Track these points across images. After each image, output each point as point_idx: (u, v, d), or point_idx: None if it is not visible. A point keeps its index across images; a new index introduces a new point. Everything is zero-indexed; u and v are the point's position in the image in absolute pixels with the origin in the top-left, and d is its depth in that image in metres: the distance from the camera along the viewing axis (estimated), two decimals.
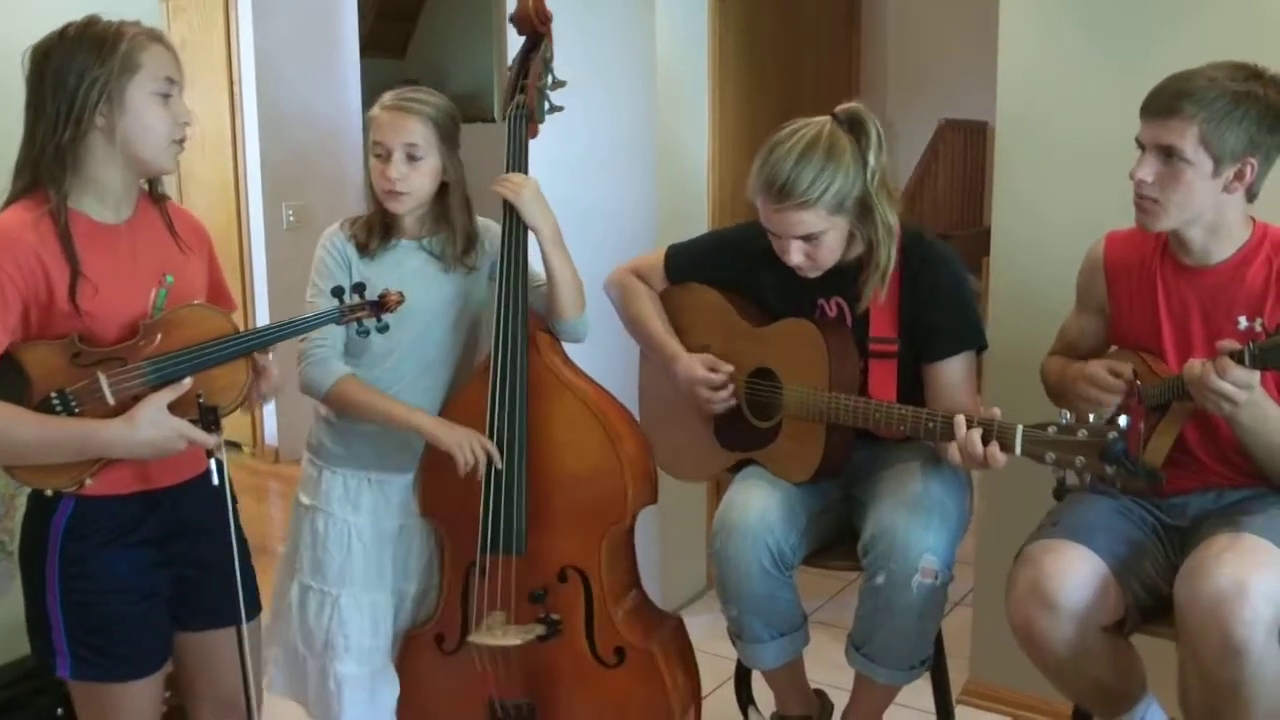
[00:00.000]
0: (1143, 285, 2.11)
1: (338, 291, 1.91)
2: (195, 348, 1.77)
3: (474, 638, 2.17)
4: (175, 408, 1.76)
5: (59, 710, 2.18)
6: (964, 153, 6.71)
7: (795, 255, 2.12)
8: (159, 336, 1.78)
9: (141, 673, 1.89)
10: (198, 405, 1.76)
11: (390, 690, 2.31)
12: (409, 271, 2.21)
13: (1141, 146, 1.99)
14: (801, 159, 2.04)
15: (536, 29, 2.25)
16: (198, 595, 1.95)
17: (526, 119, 2.23)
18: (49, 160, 1.74)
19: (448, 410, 2.24)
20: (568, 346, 2.31)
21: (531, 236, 2.21)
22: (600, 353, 2.37)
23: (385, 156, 2.15)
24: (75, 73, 1.73)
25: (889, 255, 2.12)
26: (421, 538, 2.31)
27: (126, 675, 1.87)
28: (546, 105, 2.26)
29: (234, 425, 5.49)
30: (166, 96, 1.80)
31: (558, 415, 2.19)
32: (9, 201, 1.79)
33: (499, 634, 2.16)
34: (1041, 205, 2.73)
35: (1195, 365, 1.85)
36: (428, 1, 8.01)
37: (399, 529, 2.29)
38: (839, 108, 2.13)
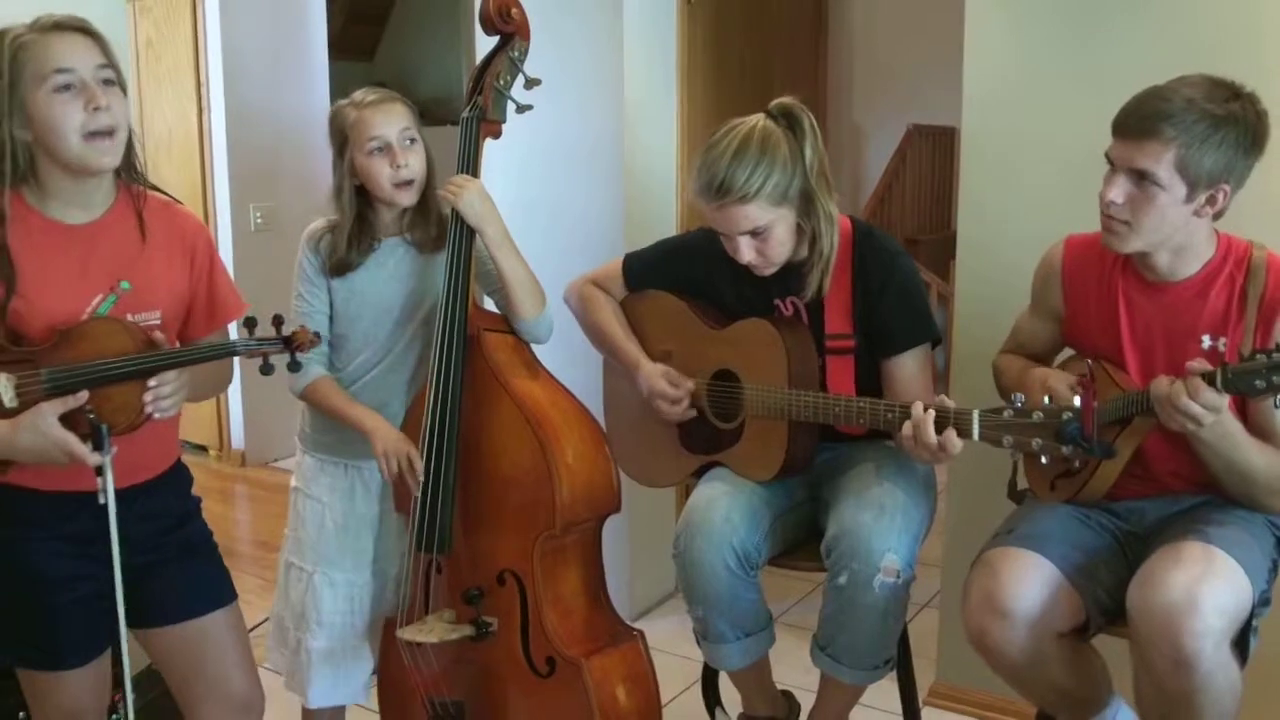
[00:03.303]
0: (1102, 297, 2.07)
1: (250, 322, 1.82)
2: (94, 363, 1.72)
3: (399, 632, 2.19)
4: (72, 422, 1.71)
5: (20, 714, 2.16)
6: (932, 157, 6.75)
7: (746, 253, 2.15)
8: (68, 345, 1.74)
9: (56, 665, 1.87)
10: (88, 421, 1.72)
11: (361, 669, 2.35)
12: (388, 271, 2.22)
13: (1111, 163, 1.92)
14: (736, 156, 2.07)
15: (499, 28, 2.22)
16: (153, 592, 1.91)
17: (480, 120, 2.21)
18: None
19: (408, 414, 2.24)
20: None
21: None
22: (565, 363, 2.37)
23: (385, 149, 2.14)
24: None
25: (832, 243, 2.16)
26: (404, 523, 2.31)
27: (38, 665, 1.88)
28: (513, 105, 2.23)
29: (201, 428, 5.44)
30: (66, 88, 1.70)
31: (494, 419, 2.17)
32: None
33: (425, 631, 2.17)
34: (1007, 210, 2.75)
35: (1163, 383, 1.81)
36: (397, 5, 8.01)
37: (380, 513, 2.31)
38: (772, 103, 2.17)
